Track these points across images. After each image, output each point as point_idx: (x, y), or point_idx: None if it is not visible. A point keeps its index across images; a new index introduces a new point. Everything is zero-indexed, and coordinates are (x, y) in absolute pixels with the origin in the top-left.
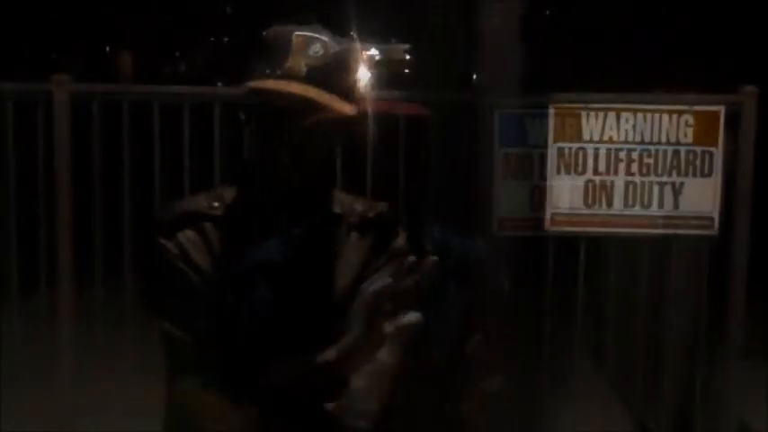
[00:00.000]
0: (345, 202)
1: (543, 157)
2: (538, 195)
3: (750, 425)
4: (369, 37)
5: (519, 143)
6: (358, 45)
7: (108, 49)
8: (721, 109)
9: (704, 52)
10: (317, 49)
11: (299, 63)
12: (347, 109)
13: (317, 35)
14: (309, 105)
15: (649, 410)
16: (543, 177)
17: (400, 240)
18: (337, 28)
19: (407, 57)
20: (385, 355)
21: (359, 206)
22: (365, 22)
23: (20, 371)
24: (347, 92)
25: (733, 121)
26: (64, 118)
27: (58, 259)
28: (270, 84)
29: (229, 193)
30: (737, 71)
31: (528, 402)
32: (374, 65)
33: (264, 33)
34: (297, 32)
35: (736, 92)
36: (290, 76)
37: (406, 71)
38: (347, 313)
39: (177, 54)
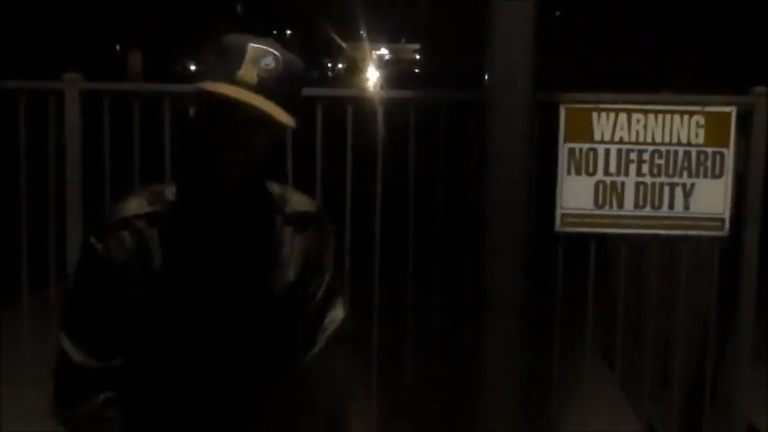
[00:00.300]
0: (280, 197)
1: (608, 153)
2: (602, 191)
3: (759, 427)
4: (379, 36)
5: (584, 139)
6: (303, 64)
7: (118, 47)
8: (732, 110)
9: (716, 53)
10: (268, 61)
11: (251, 73)
12: (289, 121)
13: (270, 49)
14: (257, 114)
15: (657, 411)
16: (608, 173)
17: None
18: (349, 28)
19: (417, 56)
20: None
21: (293, 201)
22: (376, 23)
23: (24, 370)
24: (291, 105)
25: (744, 121)
26: (75, 116)
27: (66, 256)
28: (222, 88)
29: (170, 191)
30: (749, 72)
31: (537, 401)
32: (384, 64)
33: (222, 39)
34: (252, 43)
35: (747, 93)
36: (242, 83)
37: (416, 70)
38: (282, 307)
39: (186, 53)
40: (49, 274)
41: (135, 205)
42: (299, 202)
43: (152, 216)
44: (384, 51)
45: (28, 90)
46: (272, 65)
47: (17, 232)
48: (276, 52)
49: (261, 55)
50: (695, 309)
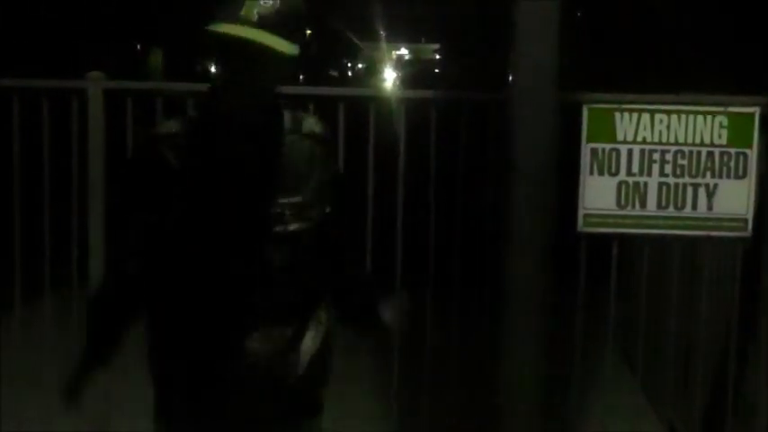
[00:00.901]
0: (296, 119)
1: (631, 153)
2: (625, 191)
3: None
4: (399, 36)
5: (607, 139)
6: (301, 1)
7: (138, 47)
8: (756, 110)
9: (739, 53)
10: (267, 0)
11: (251, 11)
12: (290, 49)
13: None
14: (260, 46)
15: (679, 414)
16: (631, 173)
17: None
18: (368, 28)
19: (436, 56)
20: None
21: (306, 121)
22: (395, 22)
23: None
24: (291, 36)
25: None
26: (98, 115)
27: (89, 255)
28: (226, 28)
29: (194, 113)
30: None
31: (557, 401)
32: (404, 64)
33: None
34: None
35: None
36: (245, 21)
37: (436, 71)
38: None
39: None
40: (71, 271)
41: (159, 128)
42: (313, 122)
43: (170, 135)
44: (403, 51)
45: (51, 89)
46: (270, 2)
47: (40, 230)
48: None
49: None
50: (718, 310)
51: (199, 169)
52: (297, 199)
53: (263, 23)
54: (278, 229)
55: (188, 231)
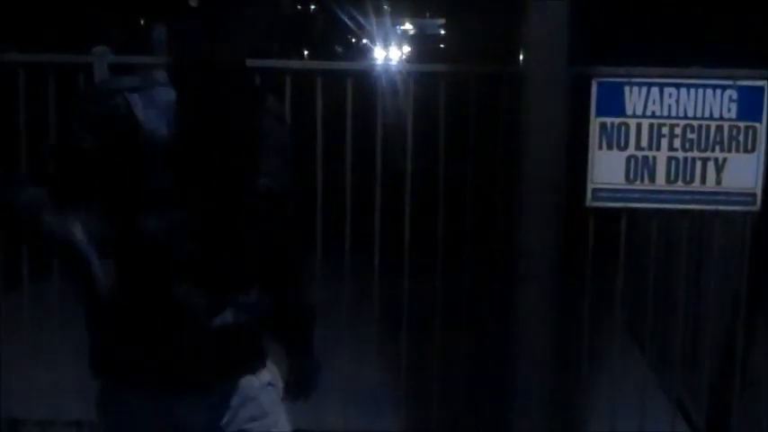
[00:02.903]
0: (261, 89)
1: (640, 127)
2: (634, 166)
3: None
4: (403, 11)
5: (616, 113)
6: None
7: (142, 22)
8: (765, 84)
9: (748, 26)
10: None
11: None
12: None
13: None
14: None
15: (687, 389)
16: (640, 148)
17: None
18: (373, 3)
19: (441, 32)
20: None
21: (269, 96)
22: None
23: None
24: None
25: None
26: None
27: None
28: None
29: (160, 74)
30: None
31: (564, 379)
32: (409, 40)
33: None
34: None
35: None
36: None
37: (441, 46)
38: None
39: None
40: None
41: (127, 80)
42: (272, 99)
43: (140, 89)
44: (408, 26)
45: (57, 64)
46: None
47: None
48: None
49: None
50: (725, 285)
51: (166, 129)
52: (263, 170)
53: None
54: (244, 194)
55: (148, 189)
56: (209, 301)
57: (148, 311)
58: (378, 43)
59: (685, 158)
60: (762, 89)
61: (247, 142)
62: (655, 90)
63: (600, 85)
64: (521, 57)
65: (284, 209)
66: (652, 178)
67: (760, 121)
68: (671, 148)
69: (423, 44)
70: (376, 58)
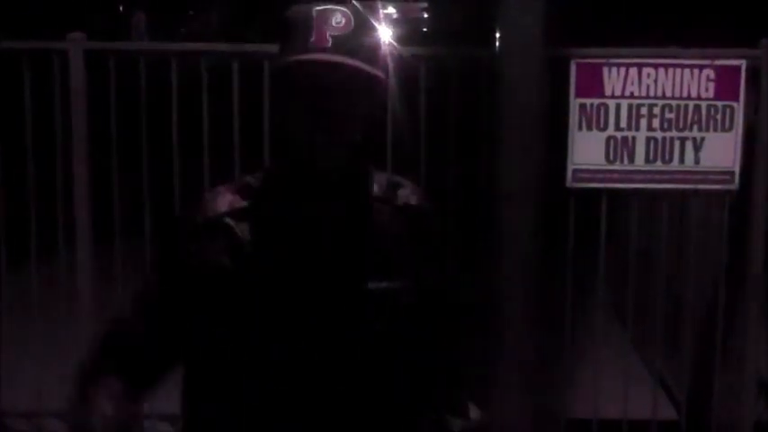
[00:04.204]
0: (384, 184)
1: (619, 108)
2: (613, 146)
3: None
4: None
5: (595, 94)
6: (378, 5)
7: (121, 8)
8: (742, 63)
9: (725, 6)
10: (338, 19)
11: (324, 35)
12: (376, 71)
13: (336, 7)
14: (342, 74)
15: (669, 368)
16: (619, 128)
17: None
18: None
19: (424, 15)
20: None
21: (402, 190)
22: None
23: (38, 332)
24: (373, 57)
25: (754, 75)
26: (79, 76)
27: (75, 218)
28: (297, 57)
29: (256, 181)
30: (759, 25)
31: (548, 359)
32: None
33: (286, 14)
34: (317, 7)
35: (757, 46)
36: (317, 49)
37: (424, 29)
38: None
39: (191, 12)
40: (57, 235)
41: (218, 205)
42: (409, 192)
43: (243, 212)
44: (391, 10)
45: (31, 50)
46: (343, 21)
47: (24, 194)
48: (344, 8)
49: (329, 15)
50: (706, 265)
51: (273, 254)
52: (384, 285)
53: (340, 47)
54: (361, 327)
55: (247, 333)
56: None
57: None
58: None
59: (664, 138)
60: (739, 69)
61: (365, 253)
62: (633, 71)
63: (579, 66)
64: (497, 38)
65: (421, 320)
66: (631, 158)
67: (737, 100)
68: (650, 128)
69: (406, 28)
70: None
